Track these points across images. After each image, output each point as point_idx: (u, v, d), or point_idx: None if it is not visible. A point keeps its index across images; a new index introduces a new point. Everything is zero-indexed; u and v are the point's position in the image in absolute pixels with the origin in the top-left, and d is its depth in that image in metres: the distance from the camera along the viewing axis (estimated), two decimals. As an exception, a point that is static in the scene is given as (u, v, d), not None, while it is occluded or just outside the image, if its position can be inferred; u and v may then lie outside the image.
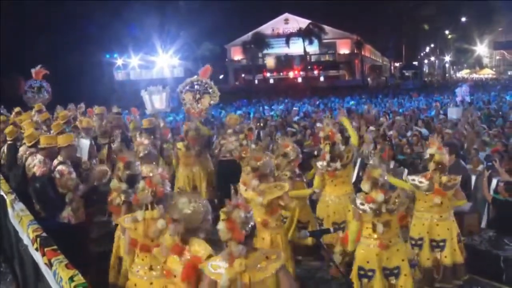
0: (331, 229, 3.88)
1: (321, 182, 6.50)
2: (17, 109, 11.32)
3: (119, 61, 48.78)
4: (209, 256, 3.48)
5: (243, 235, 3.26)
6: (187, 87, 9.38)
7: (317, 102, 29.17)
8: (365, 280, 4.94)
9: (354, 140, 6.89)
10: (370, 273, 4.91)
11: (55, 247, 4.24)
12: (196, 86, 9.36)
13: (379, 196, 4.82)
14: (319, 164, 6.47)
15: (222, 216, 3.31)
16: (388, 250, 4.91)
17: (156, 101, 11.82)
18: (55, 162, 6.36)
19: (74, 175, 6.31)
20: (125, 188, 5.00)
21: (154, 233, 4.07)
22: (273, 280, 3.28)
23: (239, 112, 21.06)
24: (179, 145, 8.58)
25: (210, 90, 9.35)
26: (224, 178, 8.17)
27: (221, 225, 3.29)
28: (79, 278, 3.59)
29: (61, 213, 6.22)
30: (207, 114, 9.98)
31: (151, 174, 4.47)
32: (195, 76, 9.71)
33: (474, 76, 73.48)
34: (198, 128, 8.60)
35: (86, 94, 11.44)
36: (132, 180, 4.99)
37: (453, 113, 16.10)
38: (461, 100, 19.88)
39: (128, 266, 4.43)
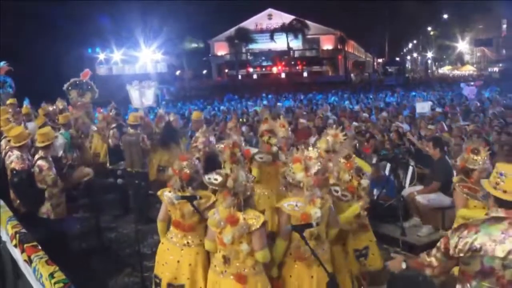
0: (314, 223, 3.88)
1: None
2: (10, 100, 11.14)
3: (101, 56, 48.23)
4: (264, 223, 3.92)
5: (320, 180, 4.16)
6: (71, 86, 10.81)
7: (302, 98, 29.25)
8: None
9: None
10: None
11: (35, 243, 4.19)
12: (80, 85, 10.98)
13: (365, 182, 5.01)
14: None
15: (300, 168, 4.16)
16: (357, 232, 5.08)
17: (144, 96, 11.99)
18: (36, 156, 6.30)
19: (53, 170, 6.24)
20: None
21: (187, 214, 4.47)
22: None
23: (222, 107, 20.98)
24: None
25: (89, 88, 10.84)
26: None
27: (302, 176, 4.13)
28: (60, 274, 3.55)
29: (40, 208, 6.16)
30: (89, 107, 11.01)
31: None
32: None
33: (456, 72, 74.33)
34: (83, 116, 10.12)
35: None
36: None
37: (422, 108, 16.22)
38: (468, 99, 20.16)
39: (160, 231, 4.78)
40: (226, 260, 3.97)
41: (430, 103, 17.34)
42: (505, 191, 3.00)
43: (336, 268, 4.55)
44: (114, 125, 10.09)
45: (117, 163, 9.31)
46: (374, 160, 9.47)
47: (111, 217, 8.93)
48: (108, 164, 9.90)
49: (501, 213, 3.02)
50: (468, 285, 3.07)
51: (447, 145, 8.89)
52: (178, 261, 4.50)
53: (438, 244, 3.23)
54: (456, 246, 3.06)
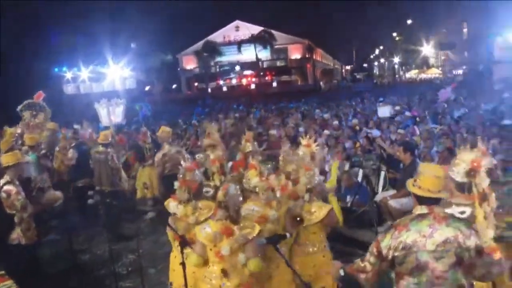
0: (288, 235, 3.90)
1: None
2: None
3: (68, 75, 47.61)
4: (259, 232, 3.99)
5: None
6: (24, 107, 10.81)
7: (272, 108, 29.30)
8: None
9: None
10: None
11: (2, 272, 4.07)
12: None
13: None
14: None
15: (255, 174, 4.48)
16: None
17: (113, 113, 12.08)
18: (2, 181, 6.13)
19: (22, 195, 6.09)
20: None
21: (185, 228, 4.49)
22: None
23: (193, 121, 20.86)
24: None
25: (43, 108, 10.89)
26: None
27: (256, 181, 4.42)
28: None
29: (10, 235, 6.00)
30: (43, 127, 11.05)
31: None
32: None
33: (423, 76, 75.74)
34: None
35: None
36: None
37: (383, 112, 16.50)
38: (445, 101, 20.47)
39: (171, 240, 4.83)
40: (225, 273, 3.95)
41: (390, 106, 17.62)
42: (420, 187, 3.29)
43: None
44: (73, 144, 10.08)
45: (77, 181, 9.45)
46: (346, 167, 9.55)
47: (84, 238, 8.77)
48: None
49: (425, 209, 3.27)
50: (405, 283, 3.26)
51: (417, 148, 9.02)
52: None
53: (369, 249, 3.41)
54: (389, 247, 3.27)
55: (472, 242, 3.11)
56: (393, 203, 7.56)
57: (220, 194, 4.00)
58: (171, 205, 4.70)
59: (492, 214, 3.85)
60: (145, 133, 10.69)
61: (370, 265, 3.37)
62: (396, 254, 3.24)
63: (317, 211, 4.61)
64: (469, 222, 3.23)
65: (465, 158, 3.89)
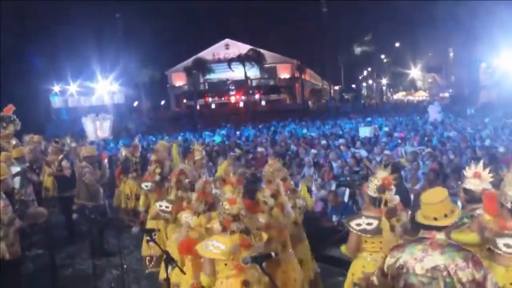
0: (273, 254, 3.88)
1: None
2: None
3: (56, 88, 47.24)
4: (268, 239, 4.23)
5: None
6: None
7: (260, 126, 29.35)
8: None
9: None
10: None
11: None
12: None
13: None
14: None
15: (230, 190, 4.31)
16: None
17: (100, 128, 12.06)
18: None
19: (10, 208, 5.99)
20: None
21: (200, 238, 4.43)
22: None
23: (179, 138, 20.85)
24: None
25: (12, 120, 11.04)
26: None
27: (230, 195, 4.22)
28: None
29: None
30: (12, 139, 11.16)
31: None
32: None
33: (410, 98, 76.56)
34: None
35: (20, 123, 11.24)
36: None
37: (364, 132, 16.66)
38: (434, 119, 20.77)
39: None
40: (246, 284, 3.99)
41: (372, 127, 17.86)
42: (424, 216, 3.28)
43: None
44: (61, 156, 9.97)
45: (65, 192, 9.37)
46: (333, 187, 9.57)
47: (67, 253, 8.65)
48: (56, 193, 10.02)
49: (426, 234, 3.29)
50: None
51: (403, 170, 9.07)
52: None
53: (380, 264, 3.50)
54: (388, 265, 3.33)
55: (465, 274, 3.04)
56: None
57: (235, 207, 4.02)
58: (184, 215, 4.80)
59: (401, 229, 4.16)
60: (136, 146, 10.70)
61: (377, 279, 3.42)
62: (391, 272, 3.29)
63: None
64: (470, 254, 3.13)
65: (378, 175, 4.26)
